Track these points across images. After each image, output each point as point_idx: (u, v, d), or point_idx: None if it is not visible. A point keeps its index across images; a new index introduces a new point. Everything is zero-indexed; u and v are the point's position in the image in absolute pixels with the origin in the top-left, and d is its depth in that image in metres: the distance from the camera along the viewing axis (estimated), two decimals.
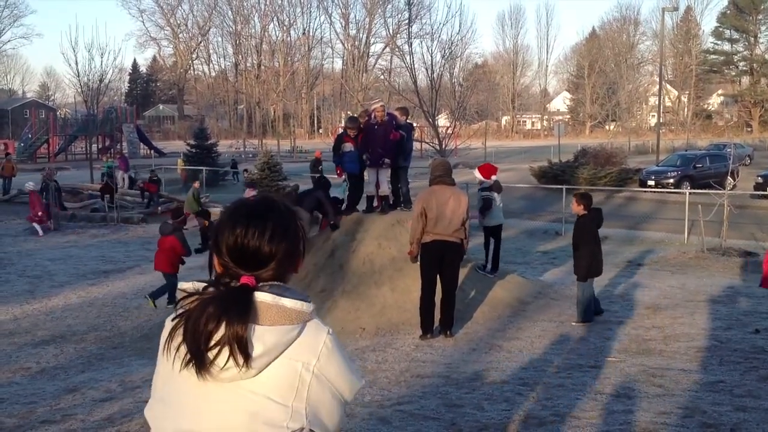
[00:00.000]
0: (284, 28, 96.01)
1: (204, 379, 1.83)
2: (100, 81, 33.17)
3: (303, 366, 1.88)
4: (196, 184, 25.20)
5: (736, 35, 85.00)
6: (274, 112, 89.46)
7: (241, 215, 1.92)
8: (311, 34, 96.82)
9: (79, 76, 32.26)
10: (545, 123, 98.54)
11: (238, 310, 1.80)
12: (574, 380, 6.60)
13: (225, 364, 1.79)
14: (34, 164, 47.17)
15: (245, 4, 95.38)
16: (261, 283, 1.88)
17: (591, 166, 30.45)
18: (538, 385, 6.46)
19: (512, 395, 6.19)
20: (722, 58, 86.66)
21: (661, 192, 26.55)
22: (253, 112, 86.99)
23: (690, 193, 19.42)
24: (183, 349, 1.83)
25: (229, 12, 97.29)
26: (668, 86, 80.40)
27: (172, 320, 1.89)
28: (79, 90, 33.70)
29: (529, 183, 28.74)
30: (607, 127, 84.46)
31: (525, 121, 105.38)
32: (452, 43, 23.75)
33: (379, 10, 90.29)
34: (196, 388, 1.85)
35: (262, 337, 1.81)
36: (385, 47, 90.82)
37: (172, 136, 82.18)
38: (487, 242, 11.41)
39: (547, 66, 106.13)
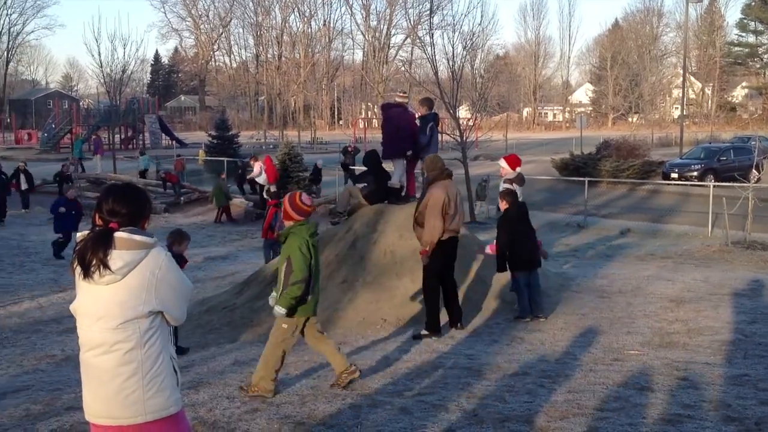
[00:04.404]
0: (305, 19, 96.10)
1: (96, 283, 3.15)
2: (123, 72, 33.32)
3: (150, 273, 3.18)
4: (223, 176, 25.43)
5: (761, 27, 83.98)
6: (295, 103, 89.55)
7: (112, 191, 3.31)
8: (332, 25, 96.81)
9: (101, 66, 32.42)
10: (567, 115, 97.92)
11: (102, 243, 3.14)
12: (596, 373, 6.56)
13: (101, 274, 3.12)
14: (57, 154, 47.57)
15: None
16: (123, 227, 3.20)
17: (613, 158, 30.18)
18: (560, 378, 6.43)
19: (534, 387, 6.17)
20: (747, 50, 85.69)
21: (684, 185, 26.31)
22: (273, 103, 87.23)
23: (714, 186, 19.23)
24: (79, 268, 3.17)
25: (251, 3, 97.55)
26: (692, 78, 79.62)
27: (74, 252, 3.23)
28: (102, 81, 33.87)
29: (550, 175, 28.60)
30: (629, 119, 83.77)
31: (546, 113, 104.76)
32: (474, 35, 23.59)
33: (400, 1, 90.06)
34: (90, 290, 3.19)
35: (120, 256, 3.13)
36: (406, 38, 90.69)
37: (194, 127, 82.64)
38: None
39: (569, 57, 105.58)
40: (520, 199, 11.46)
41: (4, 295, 12.61)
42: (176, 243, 8.44)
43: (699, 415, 5.36)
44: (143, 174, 32.40)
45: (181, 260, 8.42)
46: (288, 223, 6.12)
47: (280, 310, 6.01)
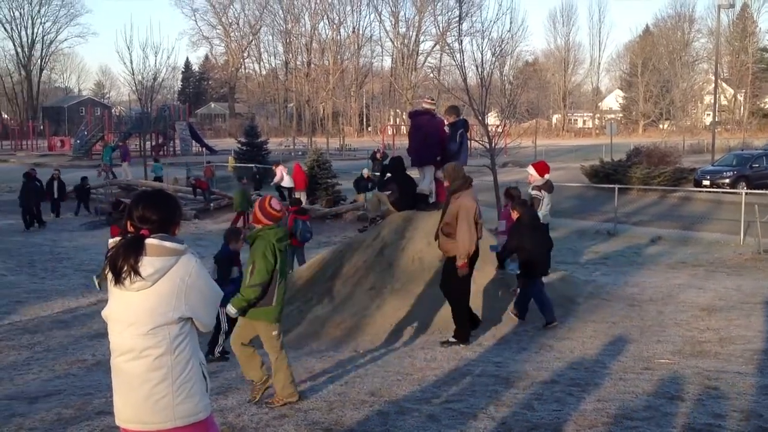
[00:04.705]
0: (334, 26, 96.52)
1: (126, 290, 3.18)
2: (154, 79, 33.63)
3: (180, 279, 3.21)
4: (244, 181, 25.61)
5: None
6: (324, 110, 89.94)
7: (142, 198, 3.36)
8: (361, 32, 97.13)
9: (133, 74, 32.75)
10: (597, 121, 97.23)
11: (133, 250, 3.16)
12: (626, 382, 6.51)
13: (132, 280, 3.15)
14: (89, 161, 48.14)
15: (296, 2, 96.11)
16: (153, 234, 3.22)
17: (644, 165, 29.94)
18: (589, 386, 6.38)
19: (563, 396, 6.13)
20: None
21: (716, 192, 26.01)
22: (302, 110, 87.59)
23: (746, 194, 19.00)
24: (111, 274, 3.21)
25: (280, 11, 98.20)
26: (724, 84, 78.72)
27: (106, 259, 3.26)
28: (134, 88, 34.23)
29: (580, 182, 28.42)
30: (660, 125, 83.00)
31: (576, 120, 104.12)
32: (503, 41, 23.42)
33: (429, 8, 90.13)
34: (121, 296, 3.22)
35: (151, 263, 3.16)
36: (435, 45, 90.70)
37: (223, 134, 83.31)
38: None
39: (599, 64, 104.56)
40: (549, 206, 11.45)
41: (37, 300, 12.78)
42: (233, 241, 8.91)
43: (730, 425, 5.29)
44: (159, 179, 32.62)
45: (236, 256, 8.98)
46: (257, 227, 6.17)
47: (231, 309, 6.12)
